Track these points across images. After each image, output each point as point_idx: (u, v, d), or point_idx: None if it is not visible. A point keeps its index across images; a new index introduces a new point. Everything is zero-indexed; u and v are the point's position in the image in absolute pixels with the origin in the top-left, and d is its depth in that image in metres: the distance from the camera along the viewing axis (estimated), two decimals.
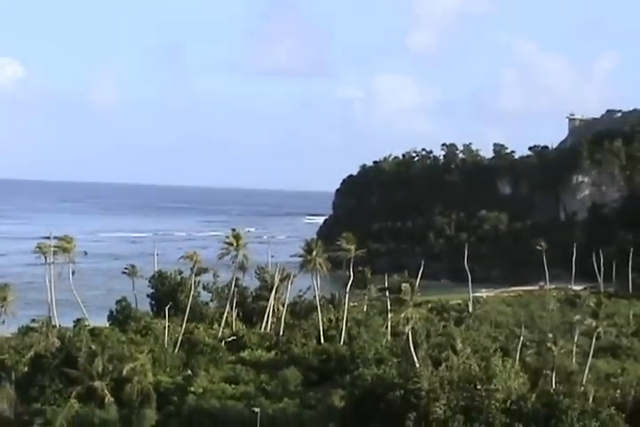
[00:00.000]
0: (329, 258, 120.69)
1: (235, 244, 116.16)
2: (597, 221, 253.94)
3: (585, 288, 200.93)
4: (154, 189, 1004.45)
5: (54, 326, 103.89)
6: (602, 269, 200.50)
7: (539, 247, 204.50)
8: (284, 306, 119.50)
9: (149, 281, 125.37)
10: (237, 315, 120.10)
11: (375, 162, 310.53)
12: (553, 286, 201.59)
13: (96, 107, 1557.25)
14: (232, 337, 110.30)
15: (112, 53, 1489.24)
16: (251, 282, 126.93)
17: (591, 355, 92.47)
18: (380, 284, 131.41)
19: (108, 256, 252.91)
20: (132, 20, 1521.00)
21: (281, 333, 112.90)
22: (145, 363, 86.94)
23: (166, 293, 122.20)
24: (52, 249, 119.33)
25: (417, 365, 77.23)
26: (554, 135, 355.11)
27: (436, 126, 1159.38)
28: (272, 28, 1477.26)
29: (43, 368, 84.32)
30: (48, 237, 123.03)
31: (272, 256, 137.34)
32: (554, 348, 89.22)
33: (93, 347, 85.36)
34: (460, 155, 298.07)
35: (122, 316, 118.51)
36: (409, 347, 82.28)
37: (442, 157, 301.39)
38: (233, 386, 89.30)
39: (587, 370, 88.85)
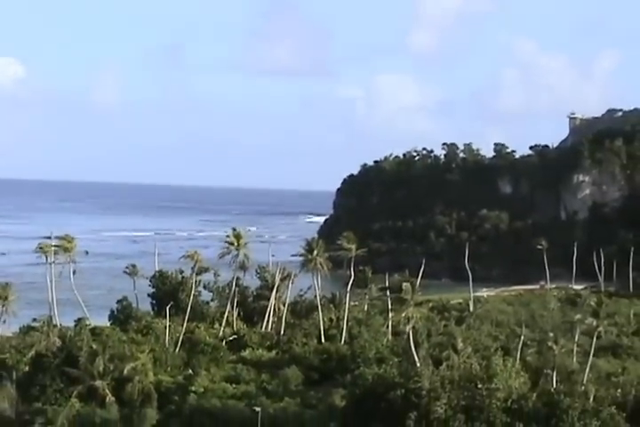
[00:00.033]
0: (330, 257, 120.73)
1: (235, 243, 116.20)
2: (598, 220, 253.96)
3: (586, 287, 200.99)
4: (154, 188, 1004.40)
5: (55, 326, 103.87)
6: (602, 269, 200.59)
7: (539, 246, 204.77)
8: (284, 305, 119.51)
9: (150, 280, 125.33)
10: (238, 314, 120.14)
11: (376, 161, 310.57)
12: (554, 286, 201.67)
13: (97, 106, 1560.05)
14: (233, 337, 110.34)
15: (113, 53, 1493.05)
16: (251, 281, 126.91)
17: (592, 354, 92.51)
18: (381, 283, 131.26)
19: (109, 256, 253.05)
20: (133, 20, 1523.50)
21: (282, 332, 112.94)
22: (146, 362, 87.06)
23: (167, 292, 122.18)
24: (53, 249, 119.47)
25: (418, 364, 77.25)
26: (554, 134, 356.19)
27: (437, 126, 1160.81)
28: (272, 27, 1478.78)
29: (44, 368, 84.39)
30: (49, 237, 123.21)
31: (273, 255, 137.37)
32: (554, 347, 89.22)
33: (94, 346, 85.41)
34: (461, 154, 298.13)
35: (123, 315, 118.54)
36: (410, 346, 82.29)
37: (442, 157, 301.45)
38: (234, 385, 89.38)
39: (587, 369, 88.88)
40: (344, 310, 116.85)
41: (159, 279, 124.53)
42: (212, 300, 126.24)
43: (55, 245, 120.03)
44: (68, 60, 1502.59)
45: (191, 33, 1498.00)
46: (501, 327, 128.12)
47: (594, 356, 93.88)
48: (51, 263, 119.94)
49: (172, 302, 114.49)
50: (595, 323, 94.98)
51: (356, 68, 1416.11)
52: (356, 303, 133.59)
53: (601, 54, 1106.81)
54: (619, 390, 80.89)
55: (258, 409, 75.49)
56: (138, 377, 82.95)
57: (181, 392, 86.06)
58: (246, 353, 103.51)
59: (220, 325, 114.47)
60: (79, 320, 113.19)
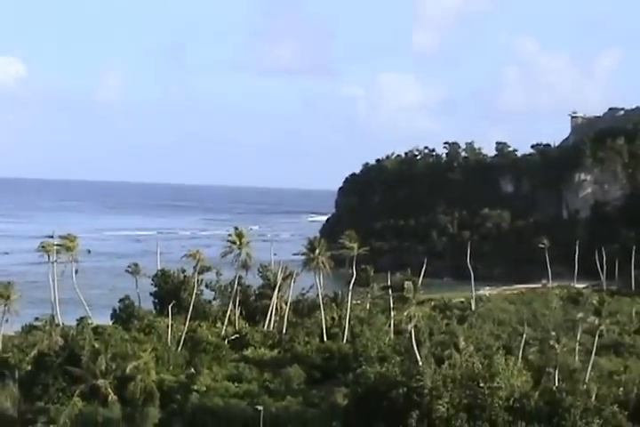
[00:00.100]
0: (332, 256, 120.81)
1: (238, 242, 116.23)
2: (600, 218, 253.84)
3: (587, 286, 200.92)
4: (155, 187, 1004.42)
5: (58, 325, 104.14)
6: (604, 267, 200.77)
7: (541, 245, 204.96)
8: (286, 304, 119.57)
9: (153, 279, 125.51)
10: (240, 313, 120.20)
11: (378, 160, 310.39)
12: (556, 284, 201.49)
13: (98, 106, 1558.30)
14: (235, 335, 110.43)
15: (114, 53, 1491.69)
16: (254, 280, 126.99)
17: (594, 353, 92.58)
18: (383, 282, 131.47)
19: (112, 255, 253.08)
20: (135, 20, 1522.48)
21: (284, 331, 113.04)
22: (148, 361, 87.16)
23: (169, 291, 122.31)
24: (56, 248, 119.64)
25: (420, 363, 77.23)
26: (556, 133, 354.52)
27: (439, 125, 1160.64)
28: (274, 27, 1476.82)
29: (46, 367, 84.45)
30: (51, 236, 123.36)
31: (275, 254, 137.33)
32: (556, 346, 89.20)
33: (97, 345, 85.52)
34: (463, 153, 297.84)
35: (125, 314, 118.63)
36: (412, 345, 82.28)
37: (444, 156, 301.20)
38: (236, 384, 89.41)
39: (589, 368, 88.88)
40: (346, 309, 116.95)
41: (161, 278, 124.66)
42: (214, 299, 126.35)
43: (57, 245, 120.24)
44: (69, 60, 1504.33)
45: (193, 33, 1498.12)
46: (503, 326, 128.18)
47: (596, 354, 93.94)
48: (53, 262, 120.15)
49: (174, 301, 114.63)
50: (597, 321, 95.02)
51: (357, 67, 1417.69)
52: (358, 302, 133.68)
53: (602, 53, 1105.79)
54: (621, 389, 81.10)
55: (260, 408, 75.50)
56: (140, 376, 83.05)
57: (184, 391, 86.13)
58: (248, 352, 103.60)
59: (223, 324, 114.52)
60: (81, 319, 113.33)
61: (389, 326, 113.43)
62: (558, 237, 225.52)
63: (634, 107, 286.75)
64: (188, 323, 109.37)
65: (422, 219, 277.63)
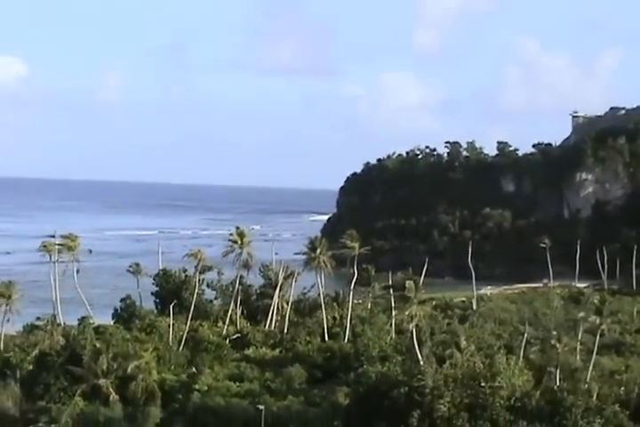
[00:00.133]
0: (333, 256, 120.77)
1: (239, 242, 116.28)
2: (601, 218, 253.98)
3: (589, 285, 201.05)
4: (155, 187, 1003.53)
5: (59, 325, 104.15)
6: (606, 267, 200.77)
7: (542, 245, 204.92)
8: (288, 304, 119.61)
9: (154, 279, 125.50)
10: (242, 313, 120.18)
11: (379, 160, 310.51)
12: (557, 284, 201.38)
13: (98, 106, 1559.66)
14: (236, 335, 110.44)
15: (115, 53, 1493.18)
16: (255, 280, 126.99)
17: (595, 352, 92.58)
18: (384, 281, 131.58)
19: (113, 254, 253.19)
20: (136, 20, 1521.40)
21: (285, 330, 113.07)
22: (149, 361, 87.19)
23: (171, 291, 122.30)
24: (57, 247, 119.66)
25: (421, 362, 77.30)
26: (557, 133, 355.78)
27: (440, 124, 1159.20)
28: (275, 27, 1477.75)
29: (47, 366, 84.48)
30: (53, 236, 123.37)
31: (276, 254, 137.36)
32: (558, 345, 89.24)
33: (98, 345, 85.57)
34: (464, 153, 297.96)
35: (126, 314, 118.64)
36: (413, 344, 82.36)
37: (445, 155, 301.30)
38: (237, 384, 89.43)
39: (591, 367, 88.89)
40: (347, 309, 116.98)
41: (163, 278, 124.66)
42: (215, 298, 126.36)
43: (59, 244, 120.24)
44: (70, 60, 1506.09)
45: (193, 33, 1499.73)
46: (504, 325, 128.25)
47: (597, 354, 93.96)
48: (54, 262, 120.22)
49: (175, 301, 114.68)
50: (598, 321, 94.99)
51: (358, 66, 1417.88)
52: (360, 302, 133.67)
53: (603, 52, 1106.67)
54: (622, 388, 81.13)
55: (261, 407, 75.50)
56: (141, 376, 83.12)
57: (185, 391, 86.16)
58: (250, 351, 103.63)
59: (224, 323, 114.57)
60: (83, 319, 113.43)
61: (391, 325, 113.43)
62: (559, 237, 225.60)
63: (635, 106, 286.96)
64: (189, 322, 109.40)
65: (423, 218, 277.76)
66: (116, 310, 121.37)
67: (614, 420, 67.29)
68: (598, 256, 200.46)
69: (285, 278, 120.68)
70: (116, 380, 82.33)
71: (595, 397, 72.55)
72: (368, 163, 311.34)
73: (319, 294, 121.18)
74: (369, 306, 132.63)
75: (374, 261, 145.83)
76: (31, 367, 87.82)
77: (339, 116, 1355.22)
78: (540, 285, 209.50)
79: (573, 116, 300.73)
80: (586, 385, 78.50)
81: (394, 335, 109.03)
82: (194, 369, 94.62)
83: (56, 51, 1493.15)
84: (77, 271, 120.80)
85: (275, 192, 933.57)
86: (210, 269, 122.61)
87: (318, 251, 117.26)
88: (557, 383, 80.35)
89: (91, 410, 78.56)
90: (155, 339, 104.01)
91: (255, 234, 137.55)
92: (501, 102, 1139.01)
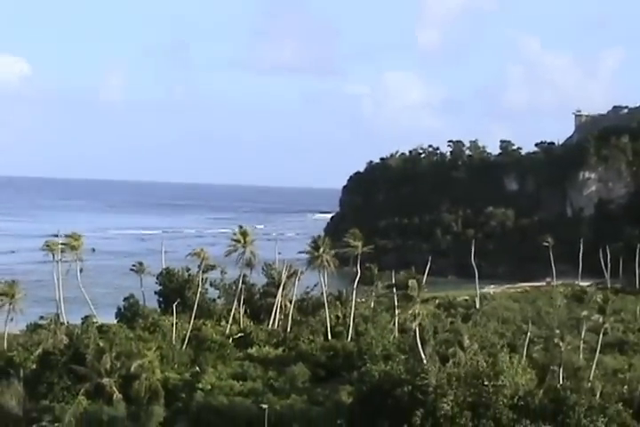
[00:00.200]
0: (336, 255, 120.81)
1: (242, 241, 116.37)
2: (604, 217, 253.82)
3: (592, 284, 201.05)
4: (155, 186, 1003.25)
5: (62, 324, 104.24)
6: (608, 265, 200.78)
7: (545, 243, 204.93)
8: (291, 303, 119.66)
9: (157, 278, 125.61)
10: (245, 312, 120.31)
11: (382, 159, 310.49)
12: (560, 282, 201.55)
13: (100, 105, 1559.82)
14: (240, 334, 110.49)
15: (117, 52, 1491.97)
16: (258, 279, 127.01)
17: (598, 351, 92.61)
18: (388, 280, 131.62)
19: (117, 253, 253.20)
20: (138, 19, 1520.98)
21: (288, 329, 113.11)
22: (153, 360, 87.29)
23: (174, 290, 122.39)
24: (60, 247, 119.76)
25: (424, 361, 77.34)
26: (560, 131, 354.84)
27: (443, 123, 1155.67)
28: (278, 25, 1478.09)
29: (51, 365, 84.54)
30: (56, 235, 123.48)
31: (279, 253, 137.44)
32: (561, 344, 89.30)
33: (101, 344, 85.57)
34: (467, 151, 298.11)
35: (130, 313, 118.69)
36: (416, 343, 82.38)
37: (448, 154, 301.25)
38: (241, 383, 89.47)
39: (594, 366, 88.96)
40: (350, 308, 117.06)
41: (166, 277, 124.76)
42: (218, 297, 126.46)
43: (62, 243, 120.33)
44: (73, 59, 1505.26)
45: (196, 31, 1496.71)
46: (508, 324, 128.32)
47: (600, 352, 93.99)
48: (58, 261, 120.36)
49: (178, 300, 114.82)
50: (601, 319, 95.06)
51: (362, 65, 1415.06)
52: (363, 300, 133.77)
53: (605, 51, 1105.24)
54: (625, 387, 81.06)
55: (265, 406, 75.58)
56: (145, 374, 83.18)
57: (188, 389, 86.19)
58: (253, 350, 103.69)
59: (227, 322, 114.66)
60: (86, 318, 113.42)
61: (394, 324, 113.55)
62: (562, 236, 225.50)
63: (638, 105, 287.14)
64: (192, 321, 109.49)
65: (426, 217, 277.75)
66: (119, 309, 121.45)
67: (617, 418, 67.23)
68: (601, 255, 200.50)
69: (288, 277, 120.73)
70: (120, 379, 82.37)
71: (598, 395, 72.56)
72: (371, 162, 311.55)
73: (322, 293, 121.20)
74: (372, 305, 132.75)
75: (377, 260, 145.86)
76: (35, 366, 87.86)
77: (341, 115, 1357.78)
78: (543, 283, 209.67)
79: (576, 115, 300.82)
80: (589, 384, 78.52)
81: (397, 334, 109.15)
82: (197, 368, 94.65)
83: (58, 50, 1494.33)
84: (81, 270, 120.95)
85: (278, 191, 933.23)
86: (213, 268, 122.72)
87: (321, 250, 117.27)
88: (560, 382, 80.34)
89: (94, 409, 78.61)
90: (158, 338, 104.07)
91: (258, 233, 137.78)
92: (504, 101, 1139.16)
